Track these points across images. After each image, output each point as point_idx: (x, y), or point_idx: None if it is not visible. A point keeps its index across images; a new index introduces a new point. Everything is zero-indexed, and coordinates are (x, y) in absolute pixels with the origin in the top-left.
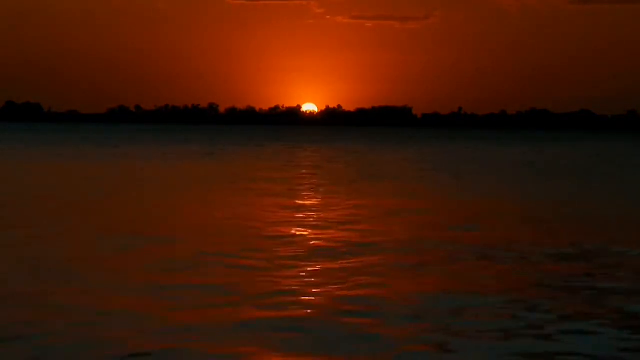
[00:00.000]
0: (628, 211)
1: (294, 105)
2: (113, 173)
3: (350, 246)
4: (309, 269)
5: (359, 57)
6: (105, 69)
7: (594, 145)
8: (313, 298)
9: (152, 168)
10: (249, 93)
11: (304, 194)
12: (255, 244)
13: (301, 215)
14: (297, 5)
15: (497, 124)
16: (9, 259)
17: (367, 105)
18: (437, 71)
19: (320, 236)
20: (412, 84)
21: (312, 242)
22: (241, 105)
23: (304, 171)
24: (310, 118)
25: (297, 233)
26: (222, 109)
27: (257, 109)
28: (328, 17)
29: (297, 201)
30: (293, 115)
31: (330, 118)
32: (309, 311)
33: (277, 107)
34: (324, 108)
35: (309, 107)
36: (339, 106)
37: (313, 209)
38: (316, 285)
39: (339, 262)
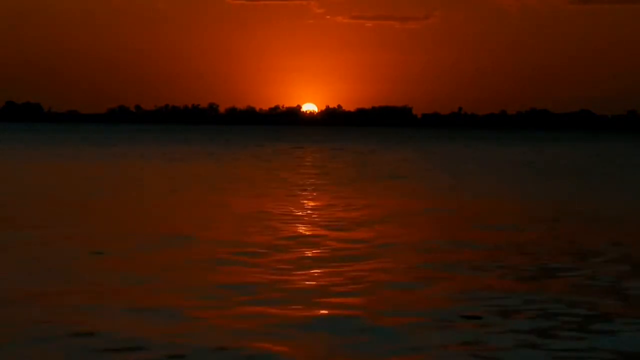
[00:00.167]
0: (628, 211)
1: (294, 105)
2: (113, 173)
3: (365, 247)
4: (330, 269)
5: (359, 57)
6: (105, 69)
7: (594, 145)
8: (342, 299)
9: (152, 168)
10: (249, 93)
11: (306, 194)
12: (266, 245)
13: (306, 216)
14: (297, 5)
15: (497, 124)
16: (9, 259)
17: (367, 105)
18: (437, 71)
19: (334, 237)
20: (412, 84)
21: (328, 243)
22: (241, 105)
23: (304, 171)
24: (310, 118)
25: (309, 233)
26: (222, 109)
27: (257, 109)
28: (328, 17)
29: (301, 201)
30: (293, 115)
31: (330, 118)
32: (337, 311)
33: (277, 107)
34: (324, 108)
35: (309, 107)
36: (339, 106)
37: (317, 209)
38: (341, 285)
39: (359, 263)
